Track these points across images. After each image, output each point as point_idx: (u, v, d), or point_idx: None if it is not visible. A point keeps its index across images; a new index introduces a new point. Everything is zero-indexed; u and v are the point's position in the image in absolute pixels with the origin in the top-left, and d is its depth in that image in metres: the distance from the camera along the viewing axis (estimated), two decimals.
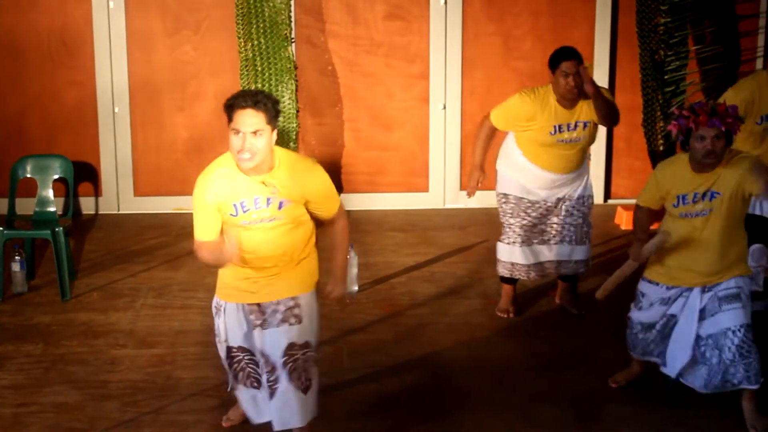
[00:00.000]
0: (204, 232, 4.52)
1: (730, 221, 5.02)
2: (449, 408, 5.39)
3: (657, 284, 5.23)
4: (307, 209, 4.59)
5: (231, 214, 4.48)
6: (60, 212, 8.24)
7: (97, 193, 8.79)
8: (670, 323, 5.18)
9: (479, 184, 6.41)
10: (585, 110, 6.16)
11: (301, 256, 4.66)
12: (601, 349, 6.05)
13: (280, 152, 4.48)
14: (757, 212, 6.06)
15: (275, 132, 4.41)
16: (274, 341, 4.61)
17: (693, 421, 5.23)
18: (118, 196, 8.80)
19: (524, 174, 6.32)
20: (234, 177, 4.45)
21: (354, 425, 5.22)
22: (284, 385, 4.61)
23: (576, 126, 6.16)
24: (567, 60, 6.06)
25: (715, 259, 5.05)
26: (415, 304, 6.78)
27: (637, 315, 5.33)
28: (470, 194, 6.41)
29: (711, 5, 8.12)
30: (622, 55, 8.75)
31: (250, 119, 4.31)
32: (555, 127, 6.15)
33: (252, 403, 4.84)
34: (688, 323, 5.11)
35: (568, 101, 6.12)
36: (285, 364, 4.59)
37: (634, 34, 8.42)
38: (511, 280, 6.54)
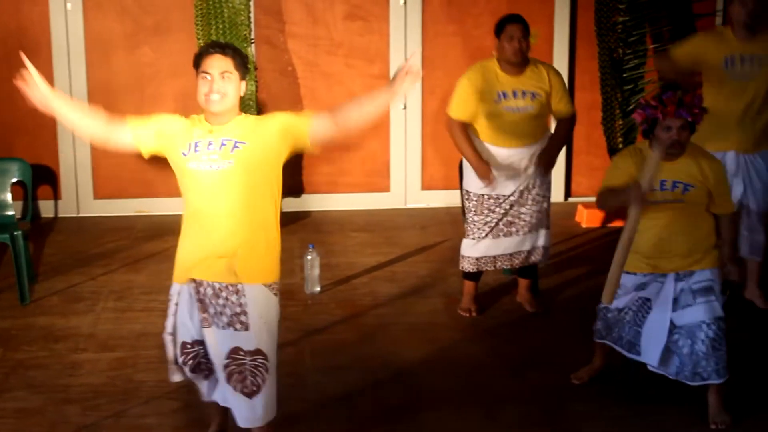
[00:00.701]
0: (137, 121, 4.47)
1: (697, 207, 5.09)
2: (412, 408, 5.39)
3: (633, 274, 5.26)
4: (290, 140, 4.39)
5: (183, 153, 4.37)
6: (18, 216, 8.17)
7: (56, 196, 8.73)
8: (644, 307, 5.21)
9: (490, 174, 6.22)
10: (533, 80, 6.19)
11: (258, 235, 4.43)
12: (563, 346, 6.08)
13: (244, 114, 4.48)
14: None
15: (243, 85, 4.41)
16: (218, 342, 4.48)
17: (655, 416, 5.26)
18: (78, 199, 8.74)
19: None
20: (195, 124, 4.43)
21: (317, 426, 5.21)
22: (222, 386, 4.54)
23: (524, 95, 6.17)
24: (512, 23, 6.13)
25: (687, 240, 5.10)
26: (378, 304, 6.78)
27: (613, 303, 5.34)
28: (491, 180, 6.22)
29: (668, 4, 8.18)
30: (581, 54, 8.81)
31: (218, 62, 4.34)
32: (499, 93, 6.14)
33: (206, 386, 4.75)
34: (662, 311, 5.14)
35: (513, 66, 6.15)
36: (226, 366, 4.48)
37: (593, 32, 8.46)
38: (473, 277, 6.55)
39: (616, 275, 5.06)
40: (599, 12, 8.34)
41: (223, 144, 4.34)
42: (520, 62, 6.16)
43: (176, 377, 4.74)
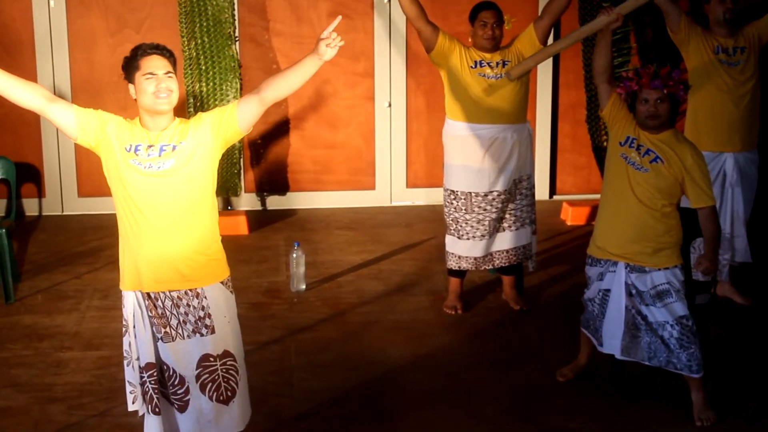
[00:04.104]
0: (82, 108, 4.33)
1: (656, 192, 5.08)
2: (397, 405, 5.39)
3: (592, 264, 5.32)
4: (222, 132, 4.31)
5: (125, 148, 4.28)
6: (2, 214, 8.16)
7: (40, 194, 8.71)
8: (605, 299, 5.26)
9: None
10: (503, 53, 6.26)
11: (206, 233, 4.36)
12: (548, 344, 6.09)
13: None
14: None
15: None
16: (186, 353, 4.37)
17: (639, 412, 5.28)
18: (62, 197, 8.72)
19: (466, 147, 6.28)
20: (134, 127, 4.33)
21: (301, 424, 5.21)
22: (197, 398, 4.39)
23: (497, 64, 6.23)
24: (485, 10, 6.24)
25: (634, 226, 5.11)
26: (363, 302, 6.78)
27: (586, 294, 5.42)
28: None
29: (652, 2, 8.20)
30: (565, 52, 8.80)
31: (160, 62, 4.28)
32: (476, 61, 6.22)
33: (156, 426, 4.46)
34: (617, 299, 5.19)
35: (487, 51, 6.24)
36: (198, 377, 4.37)
37: (577, 27, 8.47)
38: (459, 274, 6.56)
39: (536, 59, 5.97)
40: (583, 9, 8.36)
41: (162, 149, 4.28)
42: (492, 48, 6.24)
43: (136, 405, 4.52)
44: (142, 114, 4.32)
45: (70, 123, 4.31)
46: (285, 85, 4.34)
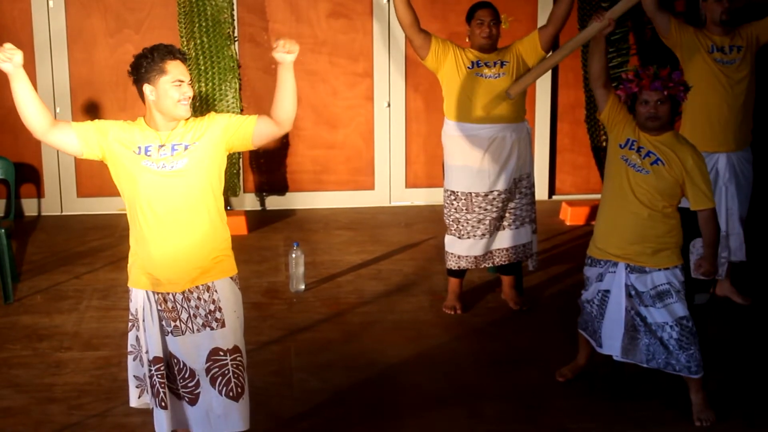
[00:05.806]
0: (81, 124, 4.33)
1: (656, 193, 5.07)
2: (397, 406, 5.39)
3: (592, 265, 5.32)
4: (232, 140, 4.36)
5: (134, 151, 4.29)
6: (1, 214, 8.16)
7: (39, 194, 8.70)
8: (605, 300, 5.26)
9: None
10: (501, 54, 6.27)
11: (216, 230, 4.39)
12: (547, 344, 6.09)
13: None
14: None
15: None
16: (195, 347, 4.39)
17: (639, 413, 5.28)
18: (61, 197, 8.72)
19: (466, 147, 6.28)
20: (141, 129, 4.34)
21: (301, 424, 5.21)
22: (207, 391, 4.42)
23: (495, 64, 6.24)
24: (482, 9, 6.28)
25: (635, 226, 5.10)
26: (363, 302, 6.78)
27: (584, 295, 5.41)
28: None
29: None
30: None
31: (183, 68, 4.31)
32: (473, 62, 6.24)
33: (162, 425, 4.46)
34: (617, 300, 5.20)
35: (484, 52, 6.25)
36: (208, 370, 4.39)
37: (576, 30, 8.47)
38: (458, 274, 6.56)
39: (534, 75, 6.05)
40: (582, 9, 8.35)
41: (174, 149, 4.31)
42: (490, 47, 6.25)
43: (142, 399, 4.55)
44: (155, 114, 4.32)
45: (71, 142, 4.32)
46: (282, 106, 4.52)
